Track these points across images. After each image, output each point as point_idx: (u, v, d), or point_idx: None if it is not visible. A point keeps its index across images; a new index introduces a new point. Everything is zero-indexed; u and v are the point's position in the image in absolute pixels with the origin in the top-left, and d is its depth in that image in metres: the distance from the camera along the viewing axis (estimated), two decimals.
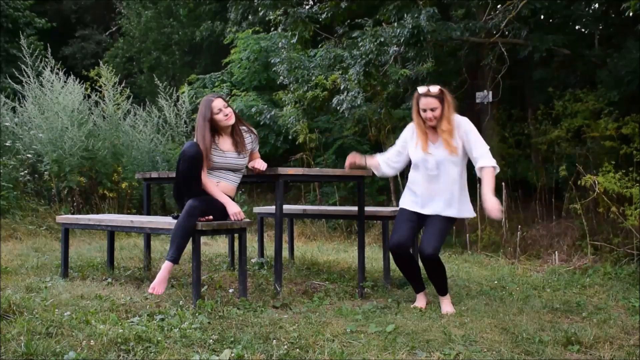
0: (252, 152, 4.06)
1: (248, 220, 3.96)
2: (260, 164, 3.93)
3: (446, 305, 3.70)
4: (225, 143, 3.90)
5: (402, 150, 3.84)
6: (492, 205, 3.51)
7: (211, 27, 14.29)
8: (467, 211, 3.74)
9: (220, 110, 3.83)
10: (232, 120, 3.88)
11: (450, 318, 3.40)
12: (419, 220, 3.74)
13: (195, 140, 3.82)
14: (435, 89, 3.62)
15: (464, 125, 3.67)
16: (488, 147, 3.68)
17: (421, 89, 3.65)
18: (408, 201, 3.78)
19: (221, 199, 3.80)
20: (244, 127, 4.02)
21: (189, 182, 3.72)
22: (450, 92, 3.77)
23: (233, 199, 3.94)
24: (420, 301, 3.82)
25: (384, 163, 3.90)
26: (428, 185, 3.69)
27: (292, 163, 8.98)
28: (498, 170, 3.67)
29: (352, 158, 3.92)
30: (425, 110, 3.62)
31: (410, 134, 3.81)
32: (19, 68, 8.71)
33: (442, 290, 3.74)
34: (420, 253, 3.60)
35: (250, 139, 4.01)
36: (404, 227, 3.68)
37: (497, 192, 7.04)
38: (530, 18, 7.50)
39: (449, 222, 3.70)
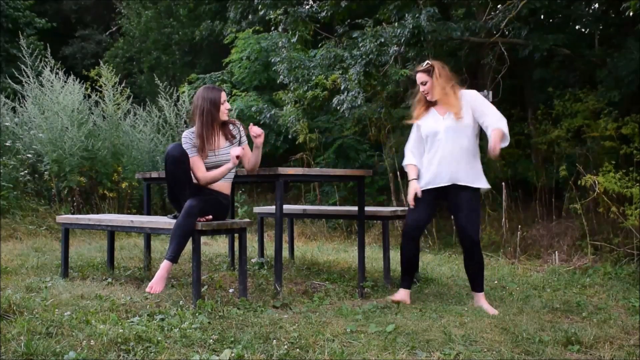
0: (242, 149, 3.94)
1: (248, 220, 3.95)
2: (235, 150, 3.78)
3: (487, 305, 3.68)
4: (218, 140, 3.87)
5: (418, 135, 3.91)
6: (495, 141, 3.59)
7: (211, 27, 14.29)
8: (480, 182, 3.75)
9: (224, 101, 3.86)
10: (227, 116, 3.89)
11: (450, 318, 3.39)
12: (437, 197, 3.78)
13: (193, 129, 3.82)
14: (425, 64, 3.85)
15: (467, 96, 3.81)
16: (499, 114, 3.75)
17: (417, 67, 3.91)
18: (424, 180, 3.81)
19: (225, 168, 3.76)
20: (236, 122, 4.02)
21: (180, 185, 3.70)
22: None
23: (232, 197, 3.93)
24: (403, 296, 3.85)
25: (414, 158, 3.90)
26: (438, 155, 3.75)
27: (292, 163, 8.98)
28: (507, 138, 3.69)
29: (412, 193, 3.81)
30: (418, 85, 3.87)
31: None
32: (19, 68, 8.70)
33: (479, 285, 3.75)
34: (463, 242, 3.72)
35: (236, 130, 3.96)
36: (418, 209, 3.78)
37: (497, 192, 7.09)
38: (530, 18, 7.50)
39: (473, 194, 3.72)
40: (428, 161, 3.81)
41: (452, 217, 3.83)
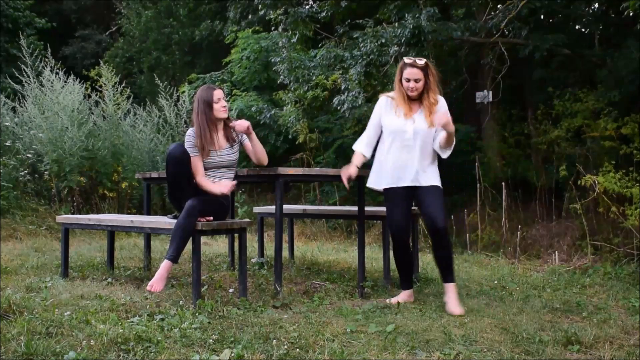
0: (245, 144, 3.98)
1: (248, 220, 3.95)
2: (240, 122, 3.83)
3: (453, 302, 3.63)
4: (218, 139, 3.88)
5: (379, 123, 3.86)
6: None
7: (211, 27, 14.30)
8: (434, 180, 3.74)
9: (220, 99, 3.86)
10: (226, 113, 3.89)
11: (450, 318, 3.39)
12: (408, 191, 3.75)
13: (192, 130, 3.84)
14: (421, 61, 3.71)
15: (442, 105, 3.76)
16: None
17: (408, 59, 3.73)
18: (389, 178, 3.79)
19: (213, 190, 3.76)
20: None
21: (181, 185, 3.72)
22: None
23: (232, 197, 3.94)
24: (405, 296, 3.86)
25: (367, 149, 3.90)
26: (400, 155, 3.73)
27: (292, 163, 8.98)
28: (452, 145, 3.75)
29: (346, 173, 3.84)
30: (408, 80, 3.69)
31: (384, 104, 3.85)
32: (19, 68, 8.70)
33: (450, 274, 3.70)
34: (430, 228, 3.69)
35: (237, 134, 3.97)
36: (398, 211, 3.75)
37: (498, 192, 7.08)
38: (530, 18, 7.49)
39: (435, 187, 3.71)
40: (393, 159, 3.75)
41: (420, 210, 3.81)
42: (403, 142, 3.72)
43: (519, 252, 5.92)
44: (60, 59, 11.96)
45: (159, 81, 9.57)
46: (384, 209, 4.88)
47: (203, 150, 3.79)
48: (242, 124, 3.82)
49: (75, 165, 7.79)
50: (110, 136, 8.43)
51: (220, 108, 3.85)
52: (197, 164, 3.79)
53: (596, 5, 8.13)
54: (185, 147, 3.78)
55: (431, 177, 3.73)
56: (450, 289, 3.69)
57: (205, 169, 3.84)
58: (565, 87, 7.84)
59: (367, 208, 4.51)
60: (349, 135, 8.79)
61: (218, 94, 3.86)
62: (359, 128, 8.73)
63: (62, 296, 3.73)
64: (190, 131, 3.88)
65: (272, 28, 9.25)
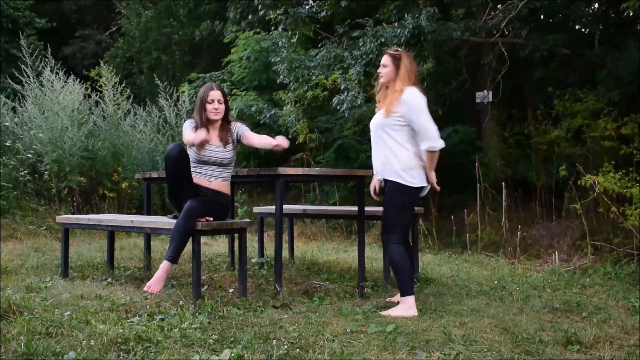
0: (244, 136, 3.97)
1: (248, 220, 3.96)
2: (283, 140, 3.90)
3: (392, 309, 3.55)
4: (212, 136, 3.89)
5: None
6: (431, 180, 3.77)
7: (211, 27, 14.31)
8: (410, 177, 3.62)
9: (213, 101, 3.87)
10: (217, 116, 3.89)
11: (450, 318, 3.39)
12: None
13: (191, 121, 3.91)
14: (395, 50, 3.80)
15: (407, 99, 3.60)
16: (431, 125, 3.58)
17: (388, 49, 3.88)
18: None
19: (194, 140, 3.69)
20: (235, 124, 4.03)
21: (180, 185, 3.73)
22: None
23: (232, 197, 3.94)
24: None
25: None
26: (373, 150, 3.83)
27: (292, 163, 8.98)
28: (441, 146, 3.63)
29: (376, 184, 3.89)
30: (379, 65, 3.81)
31: None
32: (19, 68, 8.70)
33: (399, 286, 3.62)
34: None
35: (234, 128, 3.98)
36: None
37: (498, 192, 7.09)
38: (530, 18, 7.50)
39: (393, 192, 3.63)
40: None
41: None
42: (372, 137, 3.84)
43: (519, 252, 5.93)
44: (60, 59, 11.95)
45: (159, 81, 9.57)
46: None
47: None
48: (283, 144, 3.89)
49: (75, 165, 7.79)
50: (110, 136, 8.43)
51: (212, 109, 3.86)
52: (187, 129, 3.84)
53: (596, 5, 8.13)
54: (187, 123, 3.88)
55: (393, 171, 3.65)
56: (400, 301, 3.62)
57: (201, 162, 3.86)
58: (565, 87, 7.83)
59: (367, 208, 4.51)
60: (349, 135, 8.79)
61: (213, 95, 3.87)
62: (358, 128, 8.74)
63: (62, 296, 3.73)
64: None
65: (272, 28, 9.25)
